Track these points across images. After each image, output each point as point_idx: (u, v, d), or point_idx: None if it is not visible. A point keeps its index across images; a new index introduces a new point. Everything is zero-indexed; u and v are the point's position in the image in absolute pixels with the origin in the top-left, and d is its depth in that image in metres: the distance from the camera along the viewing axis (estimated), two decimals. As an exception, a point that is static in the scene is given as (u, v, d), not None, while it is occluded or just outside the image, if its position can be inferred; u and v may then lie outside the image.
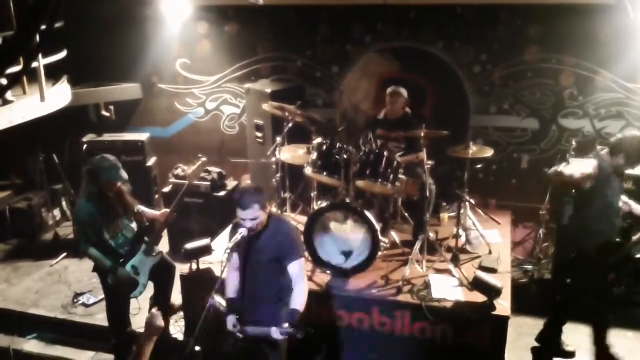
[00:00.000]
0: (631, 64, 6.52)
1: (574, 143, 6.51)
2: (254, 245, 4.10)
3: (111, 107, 7.77)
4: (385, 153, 5.37)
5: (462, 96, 7.17)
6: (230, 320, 4.13)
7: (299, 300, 4.05)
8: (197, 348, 4.48)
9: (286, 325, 3.90)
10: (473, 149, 5.70)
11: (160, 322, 3.63)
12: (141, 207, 5.25)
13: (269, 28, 7.62)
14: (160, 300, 5.46)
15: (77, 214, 5.07)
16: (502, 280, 5.02)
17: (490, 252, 5.80)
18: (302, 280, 4.14)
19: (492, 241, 5.97)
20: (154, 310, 3.71)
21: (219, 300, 4.16)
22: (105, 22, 7.73)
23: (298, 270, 4.13)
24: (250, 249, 4.11)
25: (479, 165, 6.83)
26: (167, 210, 5.28)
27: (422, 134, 5.50)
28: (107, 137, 7.39)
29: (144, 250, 5.07)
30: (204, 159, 5.43)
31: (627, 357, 5.23)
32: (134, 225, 5.10)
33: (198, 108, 8.21)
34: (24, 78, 6.20)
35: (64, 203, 8.30)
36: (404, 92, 6.29)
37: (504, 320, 4.80)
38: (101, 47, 7.76)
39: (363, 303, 5.16)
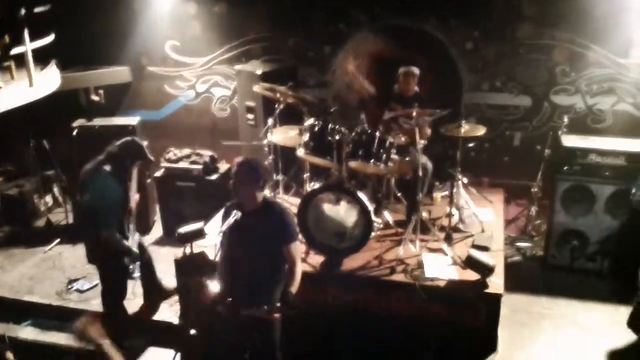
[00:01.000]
0: (623, 38, 6.49)
1: (566, 120, 6.54)
2: (247, 228, 4.08)
3: (101, 91, 7.68)
4: (378, 133, 5.35)
5: (454, 74, 7.13)
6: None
7: (293, 282, 4.08)
8: (192, 331, 4.51)
9: (279, 304, 3.96)
10: (466, 128, 5.68)
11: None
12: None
13: (259, 8, 7.52)
14: (151, 286, 5.46)
15: (105, 196, 4.90)
16: (495, 258, 5.05)
17: (483, 231, 5.83)
18: (296, 262, 4.17)
19: (485, 220, 5.99)
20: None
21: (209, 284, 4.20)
22: (93, 5, 7.62)
23: (293, 252, 4.15)
24: (244, 232, 4.09)
25: (471, 144, 6.82)
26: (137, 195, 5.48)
27: (428, 115, 5.49)
28: (97, 121, 7.31)
29: (131, 232, 5.24)
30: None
31: (620, 330, 5.30)
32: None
33: (189, 91, 8.14)
34: (12, 64, 6.16)
35: (55, 189, 8.25)
36: (416, 70, 6.17)
37: (497, 298, 4.84)
38: (90, 30, 7.66)
39: (357, 283, 5.18)
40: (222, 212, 4.39)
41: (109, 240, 4.89)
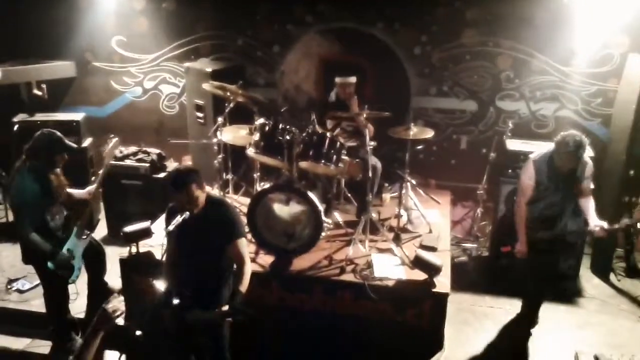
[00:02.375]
0: (565, 47, 6.73)
1: (510, 125, 6.72)
2: (193, 228, 4.01)
3: (43, 86, 7.46)
4: (328, 134, 5.37)
5: (403, 78, 7.24)
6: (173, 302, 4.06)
7: (241, 282, 3.99)
8: (137, 332, 4.42)
9: (226, 307, 3.84)
10: (414, 130, 5.78)
11: (115, 318, 3.50)
12: (68, 189, 5.10)
13: (208, 5, 7.47)
14: (96, 285, 5.33)
15: (22, 195, 4.74)
16: (442, 259, 5.12)
17: (430, 231, 5.91)
18: (245, 260, 4.09)
19: (433, 220, 6.09)
20: (111, 304, 3.54)
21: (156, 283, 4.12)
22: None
23: (240, 250, 4.09)
24: (190, 232, 4.02)
25: (420, 147, 6.93)
26: (92, 187, 5.22)
27: (364, 115, 5.53)
28: (39, 117, 7.08)
29: (75, 233, 4.98)
30: (115, 138, 5.38)
31: (557, 329, 5.50)
32: (65, 210, 5.00)
33: (136, 87, 7.99)
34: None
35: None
36: (352, 80, 6.21)
37: (444, 297, 4.91)
38: (32, 22, 7.45)
39: (306, 283, 5.18)
40: (166, 212, 4.30)
41: (27, 241, 4.74)
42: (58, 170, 4.89)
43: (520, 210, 4.93)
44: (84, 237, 5.08)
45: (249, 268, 4.11)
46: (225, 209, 4.20)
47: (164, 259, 4.21)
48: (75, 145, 5.01)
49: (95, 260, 5.34)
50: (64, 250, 4.87)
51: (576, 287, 6.22)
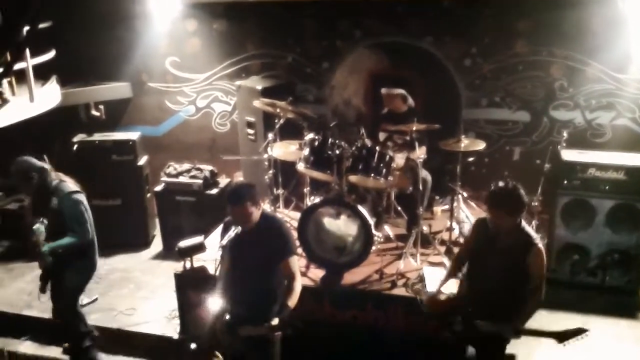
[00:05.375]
0: (620, 54, 6.54)
1: (565, 135, 6.55)
2: (246, 243, 4.06)
3: (101, 107, 7.72)
4: (378, 148, 5.37)
5: (453, 90, 7.17)
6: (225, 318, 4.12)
7: (290, 297, 4.02)
8: (192, 346, 4.49)
9: (275, 321, 3.84)
10: (465, 142, 5.72)
11: None
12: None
13: (257, 24, 7.58)
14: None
15: (81, 204, 5.04)
16: (496, 273, 5.02)
17: (483, 245, 5.81)
18: (295, 276, 4.13)
19: (486, 234, 5.98)
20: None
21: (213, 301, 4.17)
22: (93, 21, 7.66)
23: (291, 266, 4.13)
24: (243, 248, 4.07)
25: (471, 159, 6.83)
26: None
27: (414, 128, 5.51)
28: (97, 136, 7.34)
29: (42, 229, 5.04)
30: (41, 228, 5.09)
31: (617, 345, 5.30)
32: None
33: (189, 106, 8.17)
34: (13, 79, 6.19)
35: (55, 204, 8.23)
36: (396, 91, 6.28)
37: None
38: (90, 46, 7.70)
39: (357, 298, 5.16)
40: (221, 226, 4.37)
41: (81, 246, 5.07)
42: None
43: None
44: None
45: (299, 285, 4.13)
46: (278, 225, 4.25)
47: (217, 273, 4.26)
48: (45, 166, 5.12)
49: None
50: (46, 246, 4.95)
51: (635, 301, 5.98)
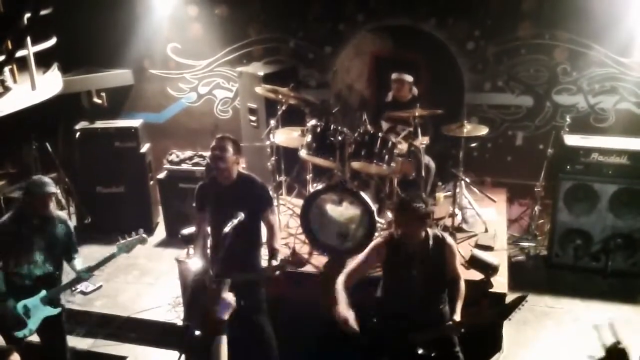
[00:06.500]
0: (624, 38, 6.50)
1: (568, 119, 6.53)
2: (226, 199, 4.39)
3: (103, 94, 7.71)
4: (380, 134, 5.36)
5: (456, 74, 7.14)
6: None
7: (275, 239, 4.50)
8: (196, 333, 4.52)
9: (274, 262, 4.28)
10: (468, 128, 5.70)
11: None
12: (76, 260, 4.73)
13: (259, 9, 7.55)
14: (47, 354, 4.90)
15: None
16: (499, 258, 5.06)
17: (486, 230, 5.83)
18: (275, 223, 4.65)
19: (488, 219, 5.99)
20: None
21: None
22: (94, 8, 7.63)
23: (271, 216, 4.60)
24: (224, 204, 4.37)
25: (474, 144, 6.82)
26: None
27: (416, 114, 5.49)
28: (99, 124, 7.33)
29: (41, 297, 4.55)
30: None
31: (621, 329, 5.30)
32: (49, 266, 4.59)
33: (191, 93, 8.15)
34: (14, 67, 6.17)
35: (58, 192, 8.24)
36: (408, 77, 6.29)
37: (501, 297, 4.83)
38: (91, 33, 7.67)
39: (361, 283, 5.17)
40: (199, 186, 4.69)
41: None
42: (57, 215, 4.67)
43: None
44: (53, 306, 4.64)
45: (279, 229, 4.76)
46: (257, 182, 4.61)
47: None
48: (53, 190, 4.52)
49: (53, 332, 4.79)
50: (20, 304, 4.49)
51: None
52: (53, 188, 4.51)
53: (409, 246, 4.05)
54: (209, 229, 4.64)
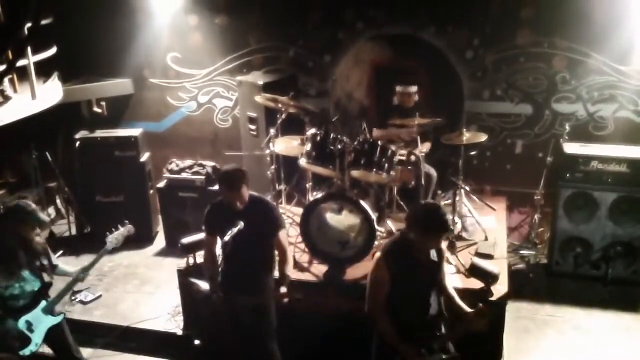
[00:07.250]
0: (623, 46, 6.50)
1: (567, 127, 6.55)
2: (238, 222, 4.23)
3: (103, 103, 7.73)
4: (380, 142, 5.36)
5: (455, 82, 7.15)
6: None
7: (287, 264, 4.45)
8: (196, 342, 4.52)
9: (283, 289, 4.29)
10: (467, 136, 5.71)
11: None
12: (61, 265, 4.86)
13: (259, 18, 7.56)
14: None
15: None
16: (499, 266, 5.05)
17: (486, 239, 5.82)
18: (287, 248, 4.52)
19: (488, 227, 5.99)
20: None
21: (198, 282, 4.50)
22: (94, 17, 7.65)
23: (283, 239, 4.50)
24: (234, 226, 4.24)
25: (473, 152, 6.82)
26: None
27: (415, 123, 5.51)
28: (99, 133, 7.35)
29: (42, 308, 4.58)
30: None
31: (621, 337, 5.33)
32: (36, 279, 4.61)
33: (190, 102, 8.16)
34: (15, 76, 6.19)
35: (58, 201, 8.26)
36: (412, 89, 6.35)
37: (501, 305, 4.82)
38: (91, 42, 7.70)
39: (360, 292, 5.16)
40: (208, 210, 4.59)
41: None
42: (39, 240, 4.72)
43: None
44: (55, 314, 4.67)
45: (291, 254, 4.64)
46: (268, 204, 4.59)
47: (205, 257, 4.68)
48: (45, 219, 4.83)
49: (59, 340, 4.78)
50: (22, 321, 4.49)
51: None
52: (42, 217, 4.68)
53: (415, 252, 3.93)
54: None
